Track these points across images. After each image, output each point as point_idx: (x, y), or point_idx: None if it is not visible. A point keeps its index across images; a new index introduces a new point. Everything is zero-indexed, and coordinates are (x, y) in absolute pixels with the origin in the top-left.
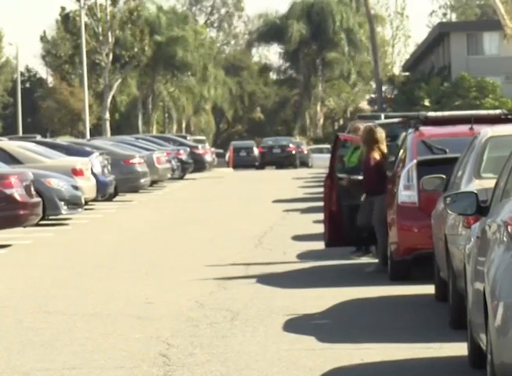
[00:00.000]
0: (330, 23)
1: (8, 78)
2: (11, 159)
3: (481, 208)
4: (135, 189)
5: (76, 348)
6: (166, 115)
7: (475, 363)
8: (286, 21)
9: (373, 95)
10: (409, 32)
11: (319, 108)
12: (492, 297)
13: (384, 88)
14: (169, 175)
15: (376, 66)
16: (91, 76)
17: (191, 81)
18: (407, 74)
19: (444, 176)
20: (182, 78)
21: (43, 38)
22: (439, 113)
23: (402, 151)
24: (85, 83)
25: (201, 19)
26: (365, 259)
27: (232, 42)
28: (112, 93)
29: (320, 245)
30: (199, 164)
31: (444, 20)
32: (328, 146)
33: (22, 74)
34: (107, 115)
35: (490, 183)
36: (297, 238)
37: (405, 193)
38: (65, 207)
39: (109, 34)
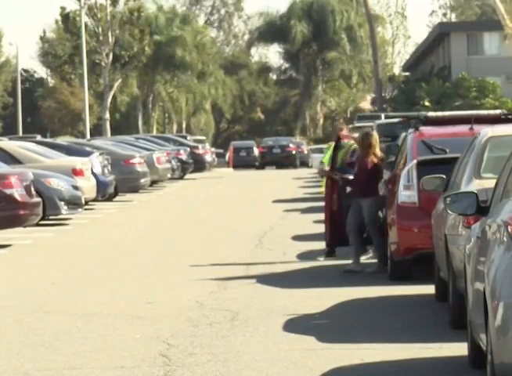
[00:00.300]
0: (331, 22)
1: (8, 78)
2: (11, 159)
3: (481, 208)
4: (135, 189)
5: (76, 348)
6: (166, 115)
7: (475, 363)
8: (287, 21)
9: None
10: (409, 32)
11: (319, 108)
12: (492, 297)
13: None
14: (169, 175)
15: (376, 66)
16: (91, 76)
17: (191, 80)
18: (407, 73)
19: (444, 176)
20: (181, 78)
21: (42, 38)
22: (439, 113)
23: (401, 151)
24: (85, 83)
25: (201, 19)
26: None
27: (232, 42)
28: (112, 93)
29: (320, 245)
30: (199, 164)
31: (444, 20)
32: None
33: (21, 74)
34: (107, 115)
35: (490, 183)
36: (297, 238)
37: (405, 193)
38: (65, 207)
39: (110, 34)
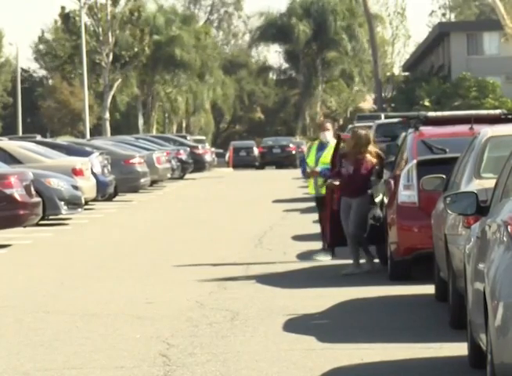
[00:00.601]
0: (331, 21)
1: (7, 78)
2: (11, 159)
3: (481, 208)
4: (135, 189)
5: (76, 348)
6: (166, 115)
7: (475, 363)
8: (288, 20)
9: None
10: (408, 32)
11: (319, 108)
12: (492, 297)
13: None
14: (169, 175)
15: (376, 66)
16: (91, 76)
17: (191, 80)
18: (407, 73)
19: (444, 176)
20: (181, 78)
21: (41, 39)
22: (439, 113)
23: (401, 151)
24: (85, 83)
25: (201, 19)
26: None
27: (232, 42)
28: (112, 93)
29: (320, 245)
30: (199, 164)
31: (443, 20)
32: None
33: (21, 74)
34: (107, 115)
35: (490, 183)
36: (297, 238)
37: (405, 193)
38: (65, 207)
39: (110, 34)
